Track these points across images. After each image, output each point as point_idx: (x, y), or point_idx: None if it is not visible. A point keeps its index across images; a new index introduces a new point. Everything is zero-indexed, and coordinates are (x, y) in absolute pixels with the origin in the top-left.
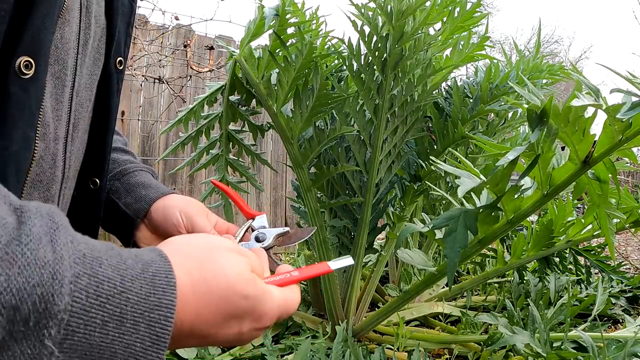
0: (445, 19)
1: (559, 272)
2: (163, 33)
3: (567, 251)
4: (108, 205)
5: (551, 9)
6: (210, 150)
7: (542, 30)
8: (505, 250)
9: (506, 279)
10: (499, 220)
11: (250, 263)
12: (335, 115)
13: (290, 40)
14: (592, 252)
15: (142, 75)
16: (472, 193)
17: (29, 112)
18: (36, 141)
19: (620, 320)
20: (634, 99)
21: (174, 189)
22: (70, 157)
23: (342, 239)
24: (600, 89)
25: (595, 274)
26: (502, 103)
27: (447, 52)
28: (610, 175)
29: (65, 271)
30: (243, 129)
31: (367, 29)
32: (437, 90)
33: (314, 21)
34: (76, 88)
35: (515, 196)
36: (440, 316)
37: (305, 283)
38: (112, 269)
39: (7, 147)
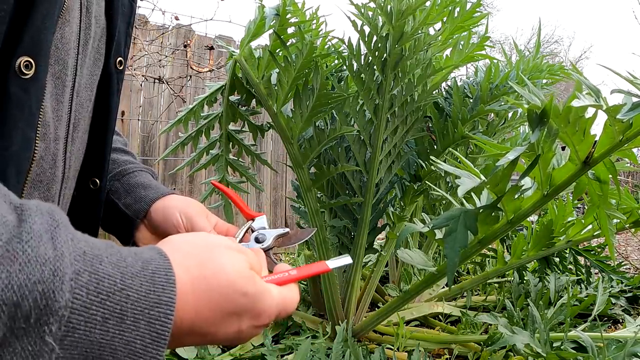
0: (445, 19)
1: (559, 272)
2: (163, 33)
3: (567, 251)
4: (108, 206)
5: (551, 9)
6: (210, 151)
7: (542, 30)
8: (505, 250)
9: (506, 279)
10: (499, 221)
11: (249, 261)
12: (335, 115)
13: (290, 40)
14: (592, 252)
15: (142, 75)
16: (472, 193)
17: (29, 112)
18: (36, 141)
19: (620, 320)
20: (635, 99)
21: (174, 189)
22: (71, 157)
23: (342, 239)
24: (600, 89)
25: (595, 274)
26: (502, 103)
27: (447, 52)
28: (610, 176)
29: (66, 268)
30: (243, 129)
31: (367, 29)
32: (437, 90)
33: (314, 21)
34: (76, 88)
35: (516, 196)
36: (440, 316)
37: (305, 283)
38: (113, 266)
39: (8, 148)
